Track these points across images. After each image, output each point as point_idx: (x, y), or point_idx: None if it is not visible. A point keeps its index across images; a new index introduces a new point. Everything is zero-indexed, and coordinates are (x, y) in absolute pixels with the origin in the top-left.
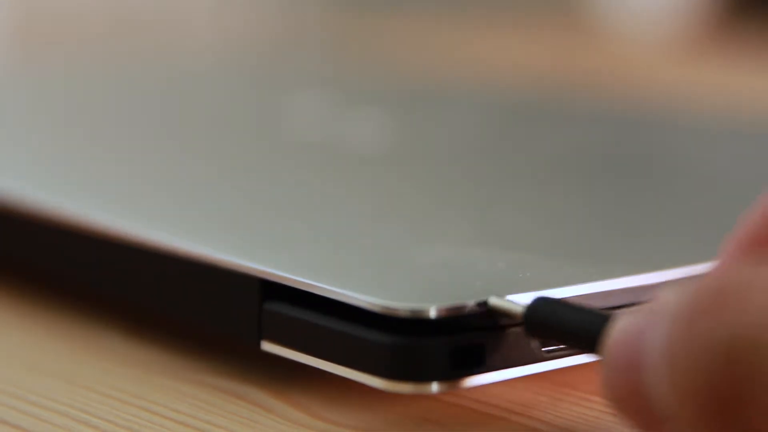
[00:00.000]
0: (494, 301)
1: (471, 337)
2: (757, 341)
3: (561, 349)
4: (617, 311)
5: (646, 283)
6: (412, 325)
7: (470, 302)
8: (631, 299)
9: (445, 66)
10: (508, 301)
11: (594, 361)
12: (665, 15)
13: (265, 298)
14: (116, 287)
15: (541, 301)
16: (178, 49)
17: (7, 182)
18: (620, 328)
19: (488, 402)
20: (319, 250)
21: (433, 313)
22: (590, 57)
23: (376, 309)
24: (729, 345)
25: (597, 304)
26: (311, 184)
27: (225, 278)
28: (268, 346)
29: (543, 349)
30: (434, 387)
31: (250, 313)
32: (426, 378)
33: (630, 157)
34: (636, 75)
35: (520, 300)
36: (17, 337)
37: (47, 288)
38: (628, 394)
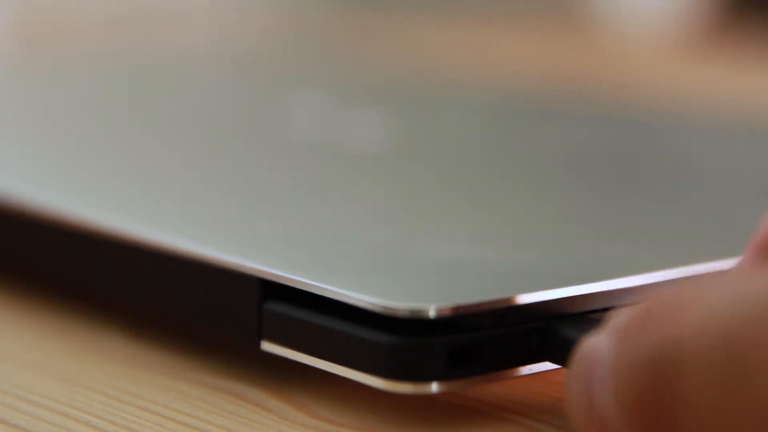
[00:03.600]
0: None
1: (471, 337)
2: (674, 358)
3: None
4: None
5: (646, 283)
6: (412, 325)
7: (470, 302)
8: (631, 299)
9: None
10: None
11: None
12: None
13: (265, 298)
14: (116, 287)
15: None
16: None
17: (7, 182)
18: (584, 344)
19: (488, 402)
20: (318, 250)
21: (432, 313)
22: (590, 57)
23: (376, 309)
24: (652, 362)
25: (597, 304)
26: (311, 183)
27: (225, 278)
28: (268, 346)
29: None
30: (434, 387)
31: (250, 313)
32: (426, 378)
33: (630, 157)
34: (635, 75)
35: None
36: (17, 337)
37: (47, 288)
38: (584, 407)
